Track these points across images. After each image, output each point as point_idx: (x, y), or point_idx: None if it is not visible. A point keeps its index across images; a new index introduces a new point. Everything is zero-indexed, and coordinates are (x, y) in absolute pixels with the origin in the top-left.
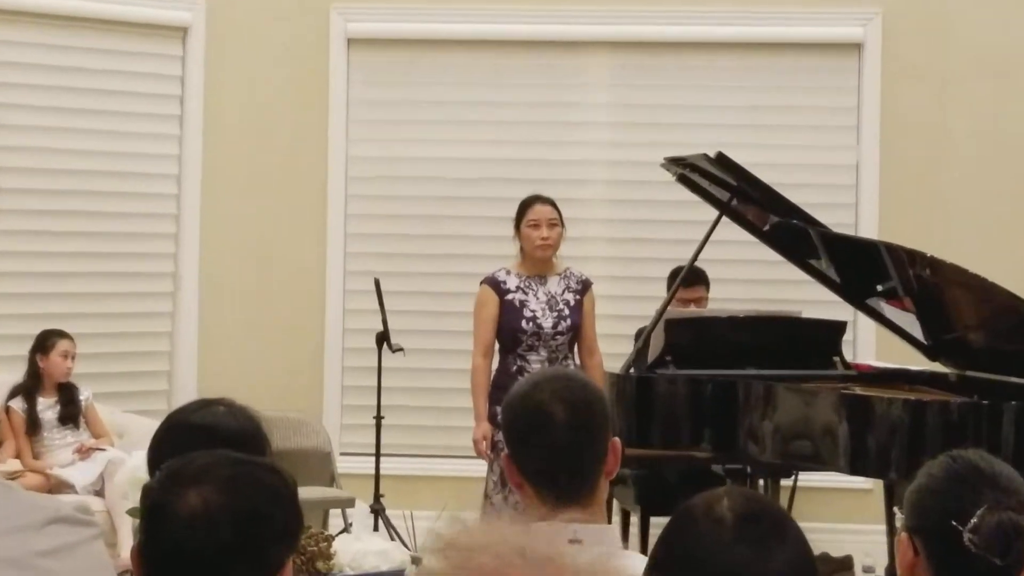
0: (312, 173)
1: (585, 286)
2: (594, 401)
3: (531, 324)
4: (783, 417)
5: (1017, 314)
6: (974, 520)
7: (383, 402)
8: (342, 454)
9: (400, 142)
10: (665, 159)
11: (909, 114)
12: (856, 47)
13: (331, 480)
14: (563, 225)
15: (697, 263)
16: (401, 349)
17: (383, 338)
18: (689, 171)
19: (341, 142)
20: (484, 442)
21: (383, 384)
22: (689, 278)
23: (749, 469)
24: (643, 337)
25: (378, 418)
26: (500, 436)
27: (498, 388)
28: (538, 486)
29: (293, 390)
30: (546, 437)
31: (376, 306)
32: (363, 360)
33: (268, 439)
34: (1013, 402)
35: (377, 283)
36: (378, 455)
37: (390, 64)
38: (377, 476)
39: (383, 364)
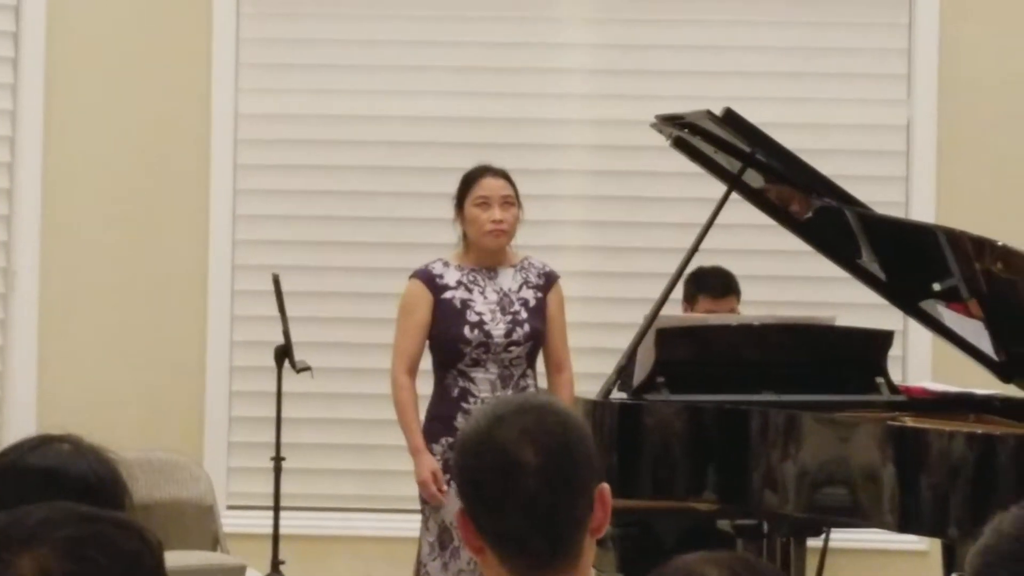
0: (190, 137)
1: (549, 280)
2: (576, 439)
3: (477, 331)
4: (811, 457)
5: None
6: None
7: (284, 439)
8: (229, 507)
9: (307, 94)
10: (657, 118)
11: (976, 60)
12: None
13: (214, 542)
14: (520, 205)
15: (703, 254)
16: (308, 368)
17: (284, 354)
18: (688, 133)
19: (228, 95)
20: (435, 480)
21: (284, 415)
22: (717, 285)
23: (766, 526)
24: (627, 351)
25: (277, 460)
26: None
27: (435, 419)
28: (503, 552)
29: (164, 423)
30: (513, 490)
31: (275, 311)
32: (257, 383)
33: (127, 487)
34: None
35: (276, 281)
36: (277, 509)
37: None
38: (276, 537)
39: (284, 388)
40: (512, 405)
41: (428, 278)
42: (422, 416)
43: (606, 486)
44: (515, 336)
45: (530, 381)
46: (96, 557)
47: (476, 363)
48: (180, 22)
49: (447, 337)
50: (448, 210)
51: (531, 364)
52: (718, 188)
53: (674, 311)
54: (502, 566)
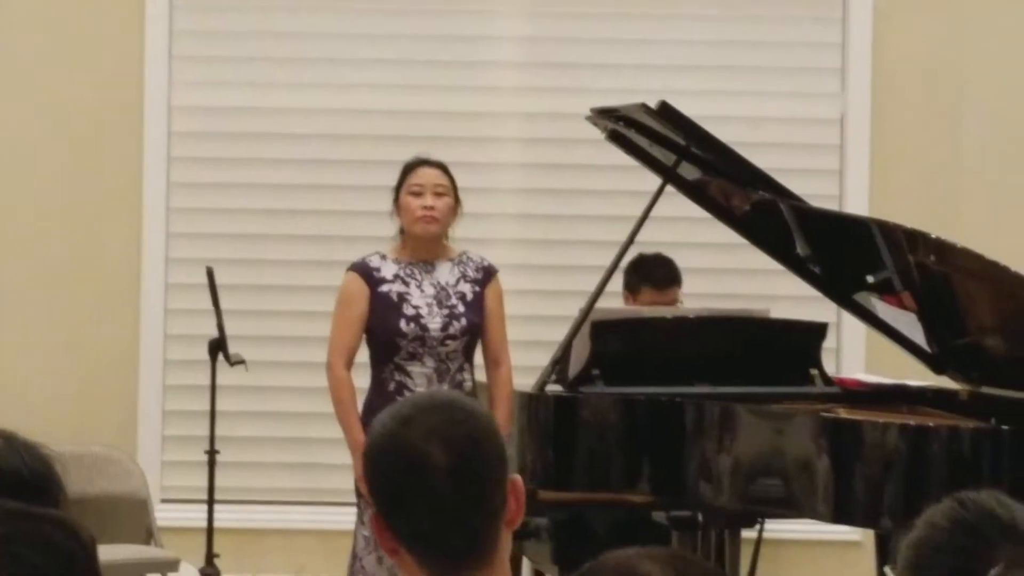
0: (123, 130)
1: (487, 274)
2: (485, 435)
3: (413, 325)
4: (746, 448)
5: None
6: None
7: (218, 433)
8: (163, 501)
9: (241, 87)
10: (592, 111)
11: (910, 53)
12: None
13: (148, 536)
14: (457, 198)
15: (637, 247)
16: (242, 362)
17: (218, 347)
18: (623, 126)
19: (161, 88)
20: None
21: (218, 408)
22: (661, 276)
23: (701, 517)
24: (562, 344)
25: (211, 453)
26: None
27: (373, 414)
28: (419, 552)
29: (96, 416)
30: (425, 490)
31: (209, 305)
32: (191, 376)
33: (62, 483)
34: None
35: (210, 274)
36: (211, 502)
37: None
38: (210, 530)
39: (218, 382)
40: (419, 405)
41: (365, 271)
42: (360, 408)
43: (518, 478)
44: (451, 330)
45: (467, 375)
46: (29, 555)
47: (412, 357)
48: (113, 14)
49: (383, 330)
50: (384, 203)
51: (468, 358)
52: (653, 181)
53: (610, 304)
54: (418, 566)
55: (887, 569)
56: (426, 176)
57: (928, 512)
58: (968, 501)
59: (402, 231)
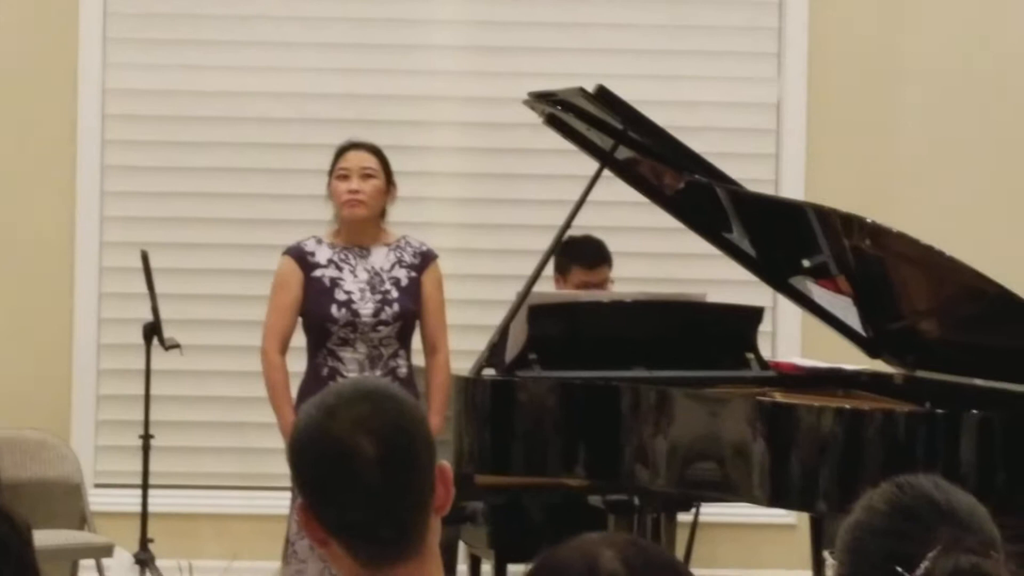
0: (56, 110)
1: (425, 259)
2: (412, 424)
3: (344, 310)
4: (682, 432)
5: (982, 297)
6: (925, 564)
7: (152, 417)
8: (97, 486)
9: (176, 69)
10: (530, 95)
11: (846, 38)
12: None
13: (81, 521)
14: (391, 180)
15: (575, 232)
16: (177, 346)
17: (153, 331)
18: (560, 110)
19: (96, 70)
20: None
21: (152, 393)
22: (590, 255)
23: (637, 501)
24: (499, 328)
25: (146, 438)
26: None
27: (306, 398)
28: (349, 543)
29: (29, 401)
30: (351, 480)
31: (143, 288)
32: (125, 361)
33: None
34: (975, 411)
35: (145, 258)
36: (145, 487)
37: None
38: (144, 515)
39: (152, 366)
40: (344, 394)
41: (299, 255)
42: (294, 393)
43: (445, 464)
44: (383, 316)
45: (401, 361)
46: None
47: (344, 342)
48: None
49: (316, 315)
50: (319, 187)
51: (403, 344)
52: (590, 165)
53: (547, 287)
54: (349, 556)
55: (826, 553)
56: (353, 160)
57: (866, 496)
58: (906, 485)
59: (337, 215)
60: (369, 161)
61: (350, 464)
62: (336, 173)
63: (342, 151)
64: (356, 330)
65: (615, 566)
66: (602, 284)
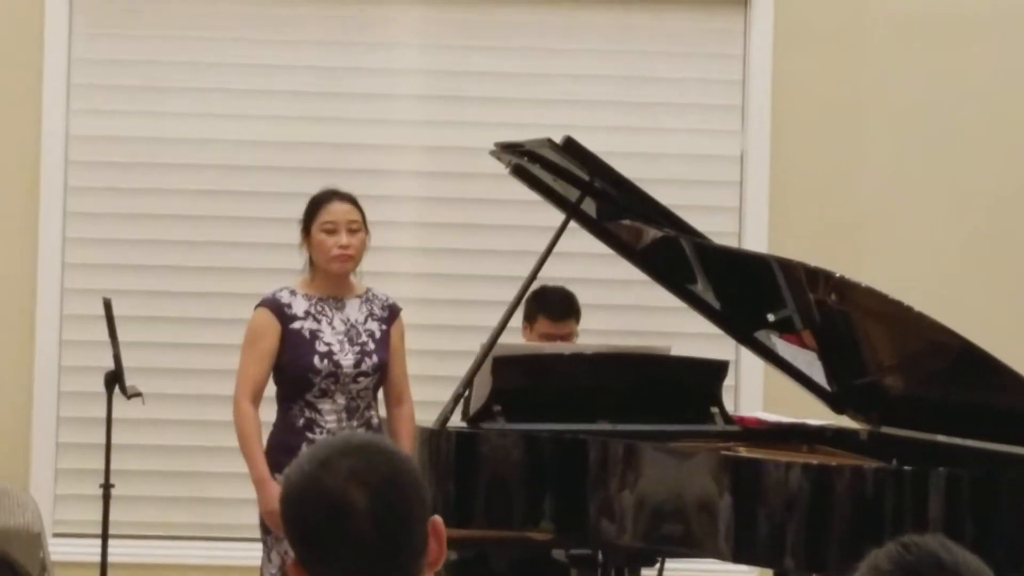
0: (19, 157)
1: (392, 313)
2: (405, 477)
3: (327, 362)
4: (649, 486)
5: (948, 352)
6: None
7: (113, 466)
8: (56, 535)
9: (140, 116)
10: (496, 145)
11: (809, 91)
12: (742, 2)
13: (42, 570)
14: (367, 230)
15: (540, 282)
16: (139, 394)
17: (114, 379)
18: (527, 161)
19: (59, 116)
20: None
21: (113, 441)
22: (557, 307)
23: (601, 555)
24: (464, 379)
25: (106, 487)
26: None
27: (279, 450)
28: None
29: None
30: (346, 535)
31: (105, 336)
32: (86, 409)
33: None
34: (942, 468)
35: (107, 305)
36: (105, 537)
37: (128, 11)
38: (104, 565)
39: (114, 415)
40: (336, 446)
41: (276, 307)
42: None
43: (438, 518)
44: (364, 367)
45: (373, 412)
46: None
47: (324, 394)
48: (11, 40)
49: (296, 367)
50: (282, 235)
51: (375, 396)
52: (553, 216)
53: (514, 339)
54: None
55: None
56: (338, 212)
57: (871, 555)
58: (912, 544)
59: (311, 263)
60: (354, 214)
61: (343, 516)
62: (321, 225)
63: (322, 202)
64: (338, 381)
65: None
66: (567, 337)
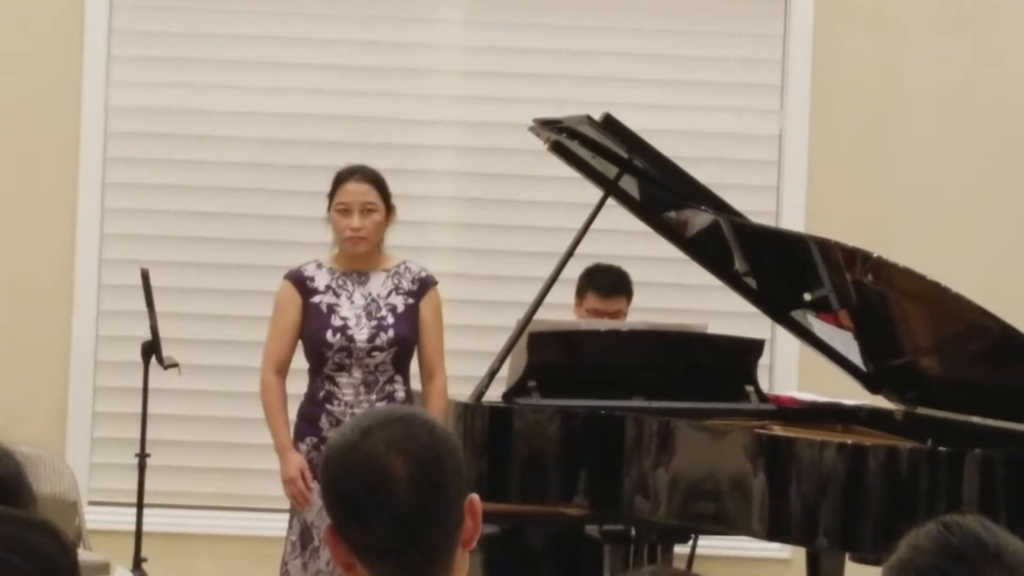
0: (58, 129)
1: (424, 286)
2: (445, 450)
3: (339, 336)
4: (683, 464)
5: (986, 335)
6: None
7: (149, 436)
8: (91, 503)
9: (180, 88)
10: (535, 121)
11: (849, 72)
12: None
13: (77, 538)
14: (389, 207)
15: (577, 259)
16: (176, 365)
17: (151, 350)
18: (566, 137)
19: (99, 88)
20: (302, 479)
21: (149, 411)
22: (606, 284)
23: (634, 531)
24: (500, 354)
25: (142, 457)
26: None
27: (302, 419)
28: (375, 566)
29: (25, 416)
30: (384, 502)
31: (142, 306)
32: (123, 379)
33: (31, 487)
34: (978, 450)
35: (145, 276)
36: (140, 506)
37: None
38: (139, 534)
39: (150, 385)
40: (379, 417)
41: (299, 280)
42: (293, 415)
43: (476, 497)
44: (378, 342)
45: (398, 386)
46: (10, 559)
47: (340, 367)
48: (52, 13)
49: (313, 341)
50: (318, 208)
51: (400, 370)
52: (592, 192)
53: (553, 314)
54: None
55: None
56: (353, 194)
57: (912, 534)
58: (953, 525)
59: (336, 242)
60: (369, 195)
61: (381, 483)
62: (336, 206)
63: (341, 180)
64: (351, 355)
65: None
66: (615, 314)
